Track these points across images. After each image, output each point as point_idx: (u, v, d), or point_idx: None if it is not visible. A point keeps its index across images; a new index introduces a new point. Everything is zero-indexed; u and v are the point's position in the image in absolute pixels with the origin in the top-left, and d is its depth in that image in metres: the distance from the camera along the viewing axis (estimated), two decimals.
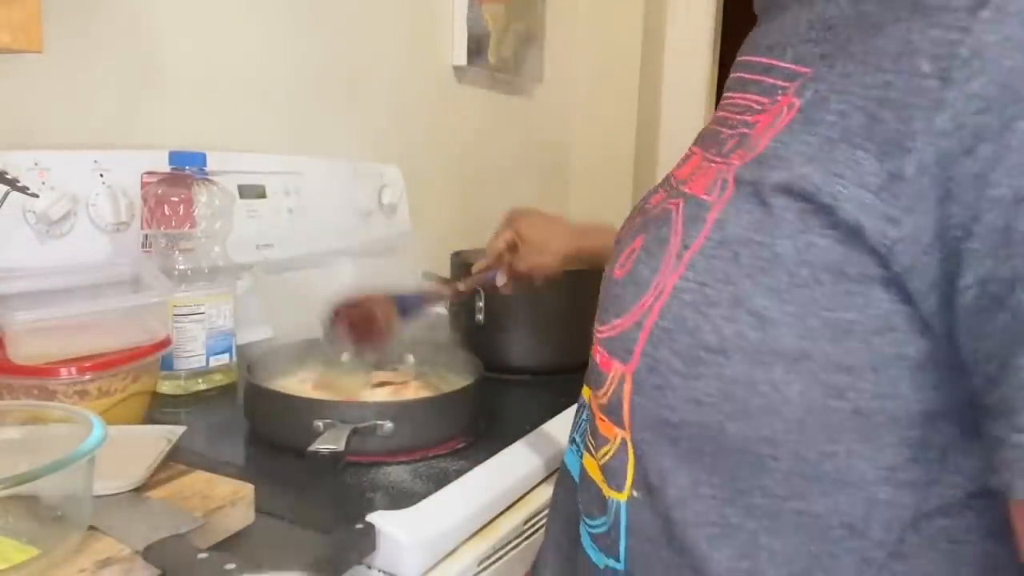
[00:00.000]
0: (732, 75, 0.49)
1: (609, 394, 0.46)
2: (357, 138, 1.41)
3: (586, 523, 0.50)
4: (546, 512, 0.81)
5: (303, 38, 1.28)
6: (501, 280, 0.97)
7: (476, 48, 1.67)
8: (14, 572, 0.48)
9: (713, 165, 0.44)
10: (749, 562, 0.42)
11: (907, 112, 0.34)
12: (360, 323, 0.88)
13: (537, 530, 0.79)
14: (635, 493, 0.45)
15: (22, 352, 0.74)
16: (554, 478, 0.85)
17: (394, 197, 1.38)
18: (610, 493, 0.46)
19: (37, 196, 0.83)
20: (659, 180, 0.59)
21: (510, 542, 0.74)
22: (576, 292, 1.10)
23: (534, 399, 1.04)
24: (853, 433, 0.39)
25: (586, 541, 0.50)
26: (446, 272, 1.28)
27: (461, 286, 0.98)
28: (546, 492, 0.82)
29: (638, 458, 0.44)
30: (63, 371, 0.72)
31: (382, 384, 0.89)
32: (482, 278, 0.98)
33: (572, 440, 0.59)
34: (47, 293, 0.82)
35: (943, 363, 0.38)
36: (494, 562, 0.72)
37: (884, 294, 0.37)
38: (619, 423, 0.45)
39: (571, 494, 0.56)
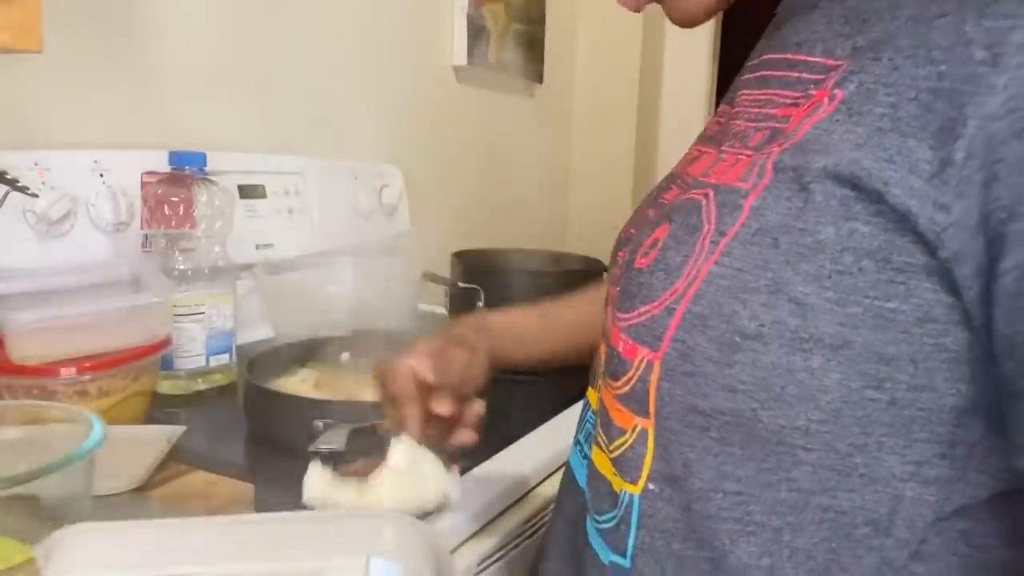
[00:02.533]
0: (751, 75, 0.49)
1: (633, 382, 0.45)
2: (357, 138, 1.41)
3: (595, 519, 0.49)
4: (547, 510, 0.81)
5: (303, 38, 1.28)
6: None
7: (476, 48, 1.67)
8: (14, 572, 0.48)
9: (744, 157, 0.44)
10: (770, 559, 0.42)
11: (960, 99, 0.35)
12: None
13: (537, 530, 0.79)
14: (651, 486, 0.44)
15: (22, 352, 0.74)
16: (554, 477, 0.85)
17: (394, 197, 1.38)
18: (622, 486, 0.46)
19: (37, 196, 0.83)
20: (659, 179, 0.58)
21: (510, 542, 0.74)
22: (575, 292, 1.10)
23: (534, 399, 1.04)
24: (886, 426, 0.39)
25: (593, 537, 0.49)
26: (446, 272, 1.28)
27: None
28: (547, 491, 0.82)
29: (662, 448, 0.44)
30: (63, 371, 0.72)
31: None
32: None
33: (577, 442, 0.59)
34: (47, 293, 0.82)
35: (978, 356, 0.38)
36: (494, 562, 0.71)
37: (927, 283, 0.37)
38: (641, 412, 0.44)
39: (573, 495, 0.56)
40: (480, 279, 1.17)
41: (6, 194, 0.79)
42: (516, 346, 0.72)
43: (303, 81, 1.29)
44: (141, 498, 0.60)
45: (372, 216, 1.34)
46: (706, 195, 0.44)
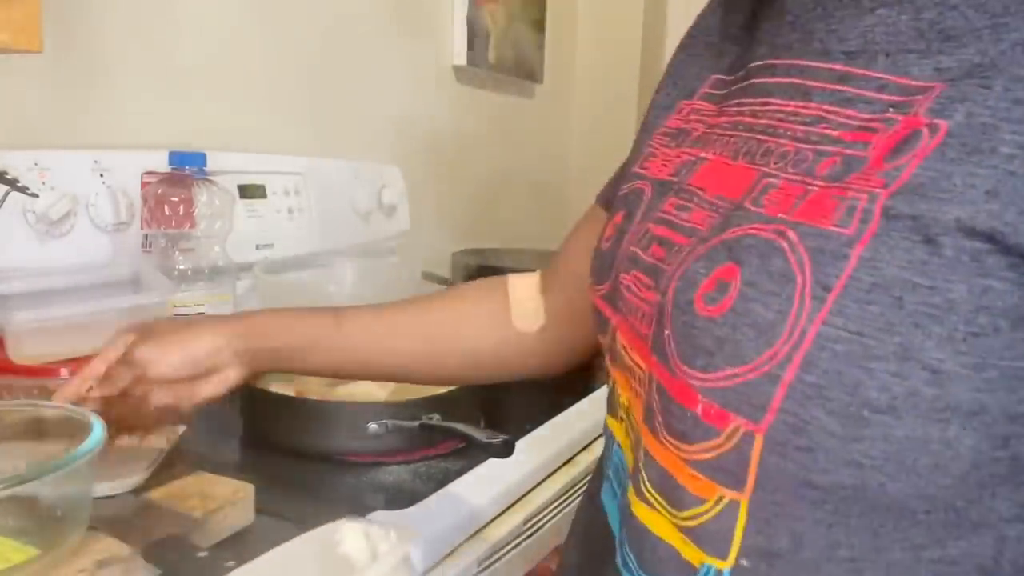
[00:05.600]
0: (771, 79, 0.45)
1: (720, 451, 0.40)
2: (357, 138, 1.41)
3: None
4: (547, 510, 0.81)
5: (303, 38, 1.28)
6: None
7: (476, 48, 1.67)
8: (14, 572, 0.48)
9: (817, 189, 0.39)
10: None
11: None
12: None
13: (537, 530, 0.79)
14: (744, 562, 0.41)
15: (22, 352, 0.75)
16: (554, 477, 0.85)
17: (394, 197, 1.38)
18: (704, 559, 0.42)
19: (37, 196, 0.83)
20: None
21: (510, 542, 0.74)
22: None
23: (534, 399, 1.04)
24: (1001, 478, 0.37)
25: None
26: (446, 272, 1.28)
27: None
28: (546, 492, 0.82)
29: (761, 522, 0.40)
30: (63, 371, 0.72)
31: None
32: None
33: (606, 477, 0.54)
34: (47, 293, 0.82)
35: None
36: (494, 562, 0.71)
37: None
38: (732, 484, 0.40)
39: (605, 537, 0.52)
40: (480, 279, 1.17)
41: (6, 194, 0.79)
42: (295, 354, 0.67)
43: (303, 81, 1.29)
44: (141, 498, 0.60)
45: (372, 216, 1.34)
46: (783, 235, 0.39)
